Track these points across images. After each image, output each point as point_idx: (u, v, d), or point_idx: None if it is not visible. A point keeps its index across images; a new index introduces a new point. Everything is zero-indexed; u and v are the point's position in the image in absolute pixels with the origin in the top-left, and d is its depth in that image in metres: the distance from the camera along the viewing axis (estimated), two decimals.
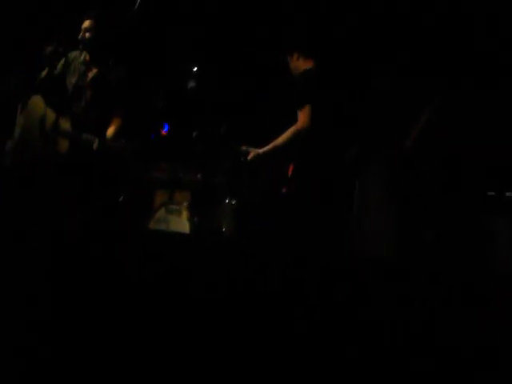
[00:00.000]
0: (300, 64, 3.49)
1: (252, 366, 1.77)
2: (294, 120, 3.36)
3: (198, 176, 5.20)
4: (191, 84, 5.63)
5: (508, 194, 3.20)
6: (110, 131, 3.49)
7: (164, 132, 5.51)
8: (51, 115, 3.50)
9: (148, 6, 4.09)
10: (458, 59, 3.21)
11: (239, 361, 1.79)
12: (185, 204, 4.69)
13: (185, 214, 4.53)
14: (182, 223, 4.46)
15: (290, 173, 3.50)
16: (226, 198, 4.69)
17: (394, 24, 3.84)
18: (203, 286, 2.17)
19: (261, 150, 3.44)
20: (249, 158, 3.46)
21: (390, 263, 2.80)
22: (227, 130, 3.97)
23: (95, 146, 3.28)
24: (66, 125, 3.47)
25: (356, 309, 2.11)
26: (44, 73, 4.30)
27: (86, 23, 3.41)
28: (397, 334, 1.91)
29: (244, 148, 3.56)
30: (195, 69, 5.63)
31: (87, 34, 3.40)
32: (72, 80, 3.48)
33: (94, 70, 3.49)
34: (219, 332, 1.89)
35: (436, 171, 3.16)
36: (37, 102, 3.54)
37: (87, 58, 3.49)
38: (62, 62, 3.49)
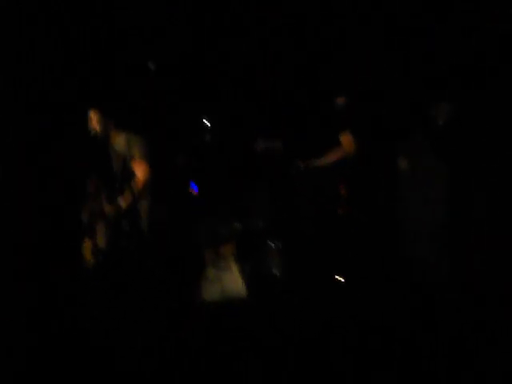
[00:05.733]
0: None
1: None
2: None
3: (237, 225, 5.21)
4: (208, 138, 5.69)
5: None
6: None
7: (196, 192, 5.54)
8: None
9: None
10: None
11: None
12: (232, 257, 4.70)
13: (234, 268, 4.55)
14: (234, 279, 4.48)
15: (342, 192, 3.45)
16: (269, 241, 4.70)
17: None
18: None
19: (312, 163, 3.42)
20: (301, 166, 3.42)
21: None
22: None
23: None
24: None
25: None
26: None
27: None
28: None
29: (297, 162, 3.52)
30: (207, 122, 5.70)
31: None
32: None
33: None
34: None
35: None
36: None
37: None
38: None
